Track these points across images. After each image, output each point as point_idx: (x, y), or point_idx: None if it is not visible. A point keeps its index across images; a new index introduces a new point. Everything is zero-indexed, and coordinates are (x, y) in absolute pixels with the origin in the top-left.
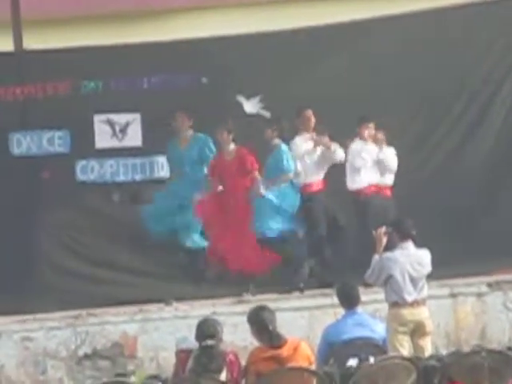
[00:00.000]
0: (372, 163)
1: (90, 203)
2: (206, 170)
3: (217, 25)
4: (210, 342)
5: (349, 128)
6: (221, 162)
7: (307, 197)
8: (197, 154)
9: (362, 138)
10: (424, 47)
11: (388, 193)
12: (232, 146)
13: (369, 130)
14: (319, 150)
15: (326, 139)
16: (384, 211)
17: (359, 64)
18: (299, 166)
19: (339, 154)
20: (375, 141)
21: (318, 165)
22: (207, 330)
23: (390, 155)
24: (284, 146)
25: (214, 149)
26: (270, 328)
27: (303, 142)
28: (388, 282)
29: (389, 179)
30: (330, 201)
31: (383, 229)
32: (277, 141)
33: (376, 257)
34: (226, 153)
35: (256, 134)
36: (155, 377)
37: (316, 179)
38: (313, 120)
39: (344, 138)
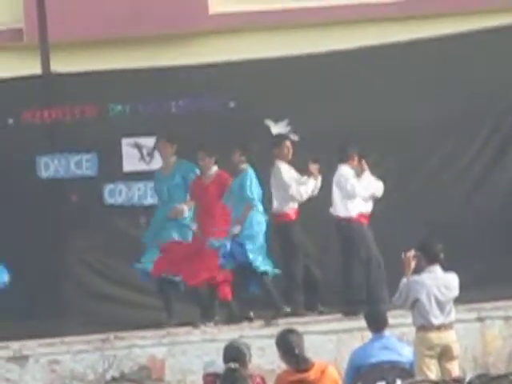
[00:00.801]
0: (363, 191)
1: (117, 226)
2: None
3: (245, 48)
4: (233, 366)
5: (374, 150)
6: (199, 185)
7: (283, 225)
8: (181, 179)
9: (351, 164)
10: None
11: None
12: (213, 170)
13: (358, 159)
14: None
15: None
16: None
17: (389, 87)
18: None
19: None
20: (361, 169)
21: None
22: (231, 353)
23: (378, 183)
24: (251, 172)
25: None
26: (297, 351)
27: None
28: (415, 305)
29: (370, 206)
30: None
31: (412, 252)
32: (244, 165)
33: (404, 280)
34: (205, 176)
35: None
36: None
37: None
38: (291, 151)
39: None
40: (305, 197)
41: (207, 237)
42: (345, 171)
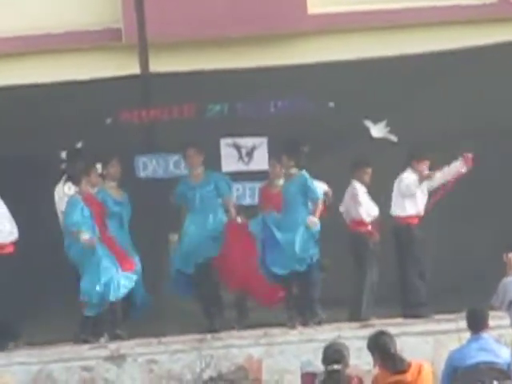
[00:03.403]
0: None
1: None
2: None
3: (344, 49)
4: (336, 367)
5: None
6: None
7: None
8: (214, 187)
9: (416, 171)
10: None
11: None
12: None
13: (425, 166)
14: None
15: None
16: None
17: (489, 87)
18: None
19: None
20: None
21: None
22: (334, 354)
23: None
24: (306, 174)
25: (230, 182)
26: (392, 352)
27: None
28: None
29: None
30: None
31: None
32: (294, 170)
33: (503, 281)
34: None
35: (382, 159)
36: None
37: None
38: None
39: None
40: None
41: None
42: (406, 175)
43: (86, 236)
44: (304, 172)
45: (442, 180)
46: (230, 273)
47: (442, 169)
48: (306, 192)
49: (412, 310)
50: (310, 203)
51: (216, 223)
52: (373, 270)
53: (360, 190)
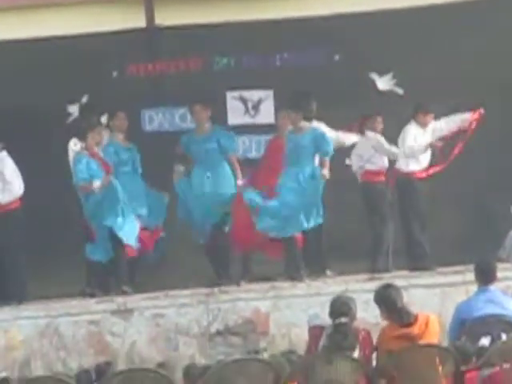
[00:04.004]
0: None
1: None
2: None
3: (349, 1)
4: (343, 320)
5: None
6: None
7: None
8: (217, 144)
9: (419, 123)
10: None
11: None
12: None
13: (430, 119)
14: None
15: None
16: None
17: (493, 42)
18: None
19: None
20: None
21: None
22: (341, 307)
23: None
24: (318, 126)
25: (235, 138)
26: (399, 305)
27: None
28: None
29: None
30: None
31: None
32: (304, 123)
33: (510, 233)
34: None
35: (388, 112)
36: (292, 352)
37: None
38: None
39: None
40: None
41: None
42: (408, 128)
43: (97, 183)
44: (316, 125)
45: (446, 129)
46: (234, 233)
47: (448, 117)
48: (320, 145)
49: (416, 262)
50: (319, 157)
51: (220, 178)
52: (389, 222)
53: (381, 138)
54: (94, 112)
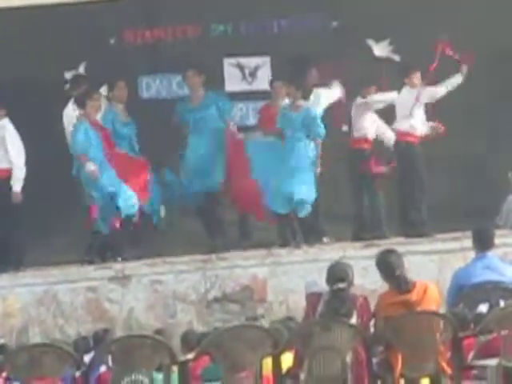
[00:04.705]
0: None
1: None
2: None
3: None
4: (341, 286)
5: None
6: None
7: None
8: (215, 108)
9: (412, 85)
10: None
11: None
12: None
13: (417, 77)
14: None
15: None
16: None
17: (492, 7)
18: None
19: None
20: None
21: None
22: (338, 273)
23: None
24: (313, 107)
25: (230, 103)
26: (398, 273)
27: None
28: None
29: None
30: None
31: None
32: (302, 102)
33: (508, 199)
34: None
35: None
36: (290, 319)
37: None
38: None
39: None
40: None
41: None
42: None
43: (91, 167)
44: (311, 105)
45: (443, 92)
46: (233, 195)
47: (443, 82)
48: (311, 128)
49: (414, 228)
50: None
51: (217, 146)
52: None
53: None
54: (92, 80)
